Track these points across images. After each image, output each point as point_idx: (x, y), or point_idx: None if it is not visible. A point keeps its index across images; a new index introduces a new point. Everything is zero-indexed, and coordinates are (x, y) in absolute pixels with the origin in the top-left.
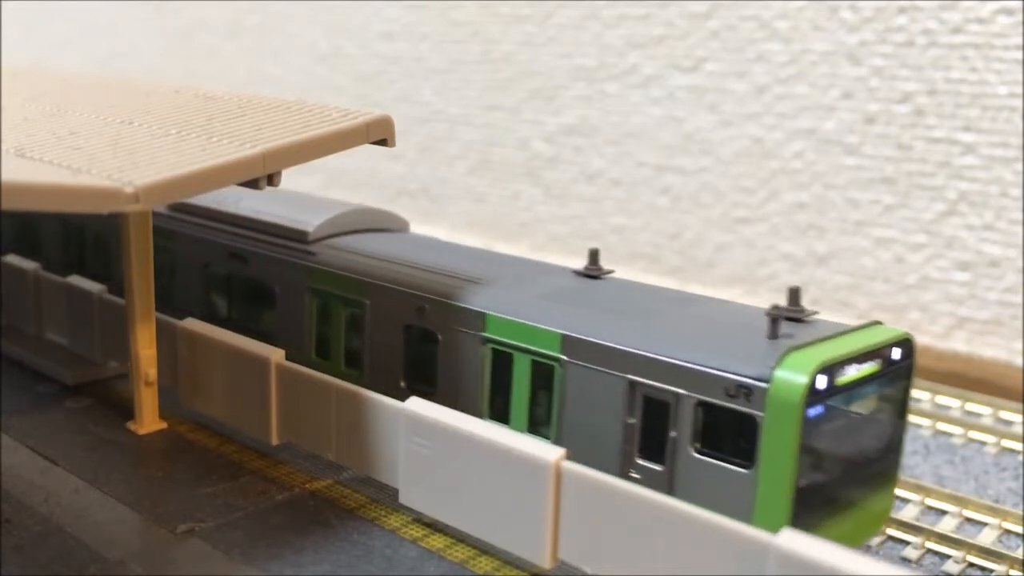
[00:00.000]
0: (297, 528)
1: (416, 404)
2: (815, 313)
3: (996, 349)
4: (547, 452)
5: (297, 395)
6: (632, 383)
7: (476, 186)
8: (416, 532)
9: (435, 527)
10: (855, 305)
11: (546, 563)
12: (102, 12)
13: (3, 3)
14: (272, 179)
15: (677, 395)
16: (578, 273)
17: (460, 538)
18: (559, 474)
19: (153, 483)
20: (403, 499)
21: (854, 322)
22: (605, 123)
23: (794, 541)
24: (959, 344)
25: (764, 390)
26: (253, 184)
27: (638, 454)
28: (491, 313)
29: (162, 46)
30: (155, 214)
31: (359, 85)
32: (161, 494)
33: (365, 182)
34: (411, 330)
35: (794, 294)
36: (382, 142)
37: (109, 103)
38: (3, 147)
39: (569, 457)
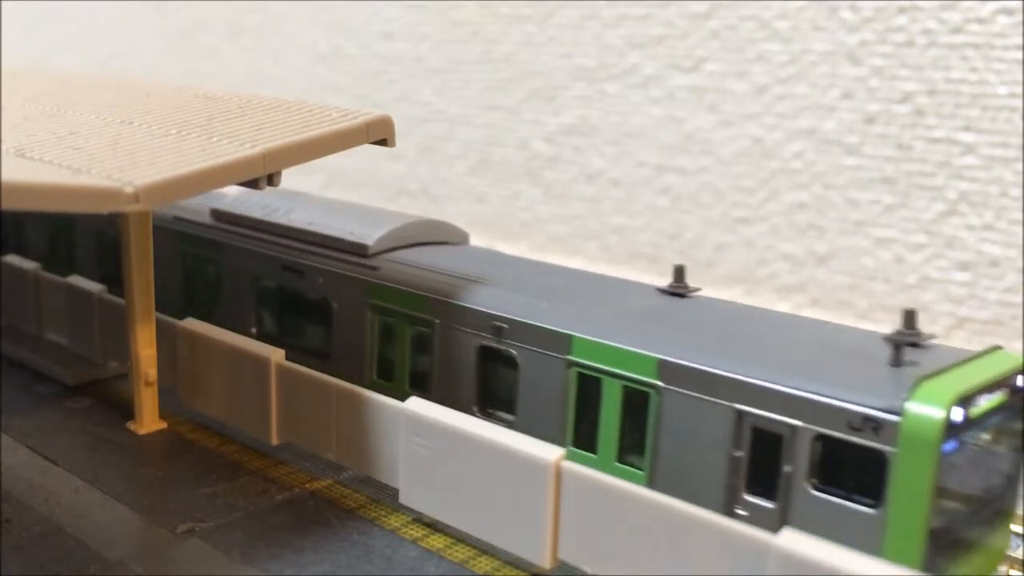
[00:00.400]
0: (297, 528)
1: (416, 404)
2: (932, 337)
3: None
4: (547, 452)
5: (297, 395)
6: (740, 413)
7: (476, 186)
8: (416, 532)
9: (435, 527)
10: (855, 305)
11: (546, 563)
12: (102, 12)
13: (3, 3)
14: (272, 179)
15: (793, 427)
16: (663, 291)
17: (460, 538)
18: (559, 474)
19: (153, 483)
20: (403, 499)
21: (974, 348)
22: (605, 123)
23: (794, 541)
24: (959, 344)
25: (895, 424)
26: (253, 184)
27: (745, 490)
28: (577, 335)
29: (162, 46)
30: (200, 224)
31: (359, 85)
32: (161, 494)
33: (365, 182)
34: (486, 352)
35: (910, 317)
36: (382, 142)
37: (109, 103)
38: (3, 147)
39: (664, 490)
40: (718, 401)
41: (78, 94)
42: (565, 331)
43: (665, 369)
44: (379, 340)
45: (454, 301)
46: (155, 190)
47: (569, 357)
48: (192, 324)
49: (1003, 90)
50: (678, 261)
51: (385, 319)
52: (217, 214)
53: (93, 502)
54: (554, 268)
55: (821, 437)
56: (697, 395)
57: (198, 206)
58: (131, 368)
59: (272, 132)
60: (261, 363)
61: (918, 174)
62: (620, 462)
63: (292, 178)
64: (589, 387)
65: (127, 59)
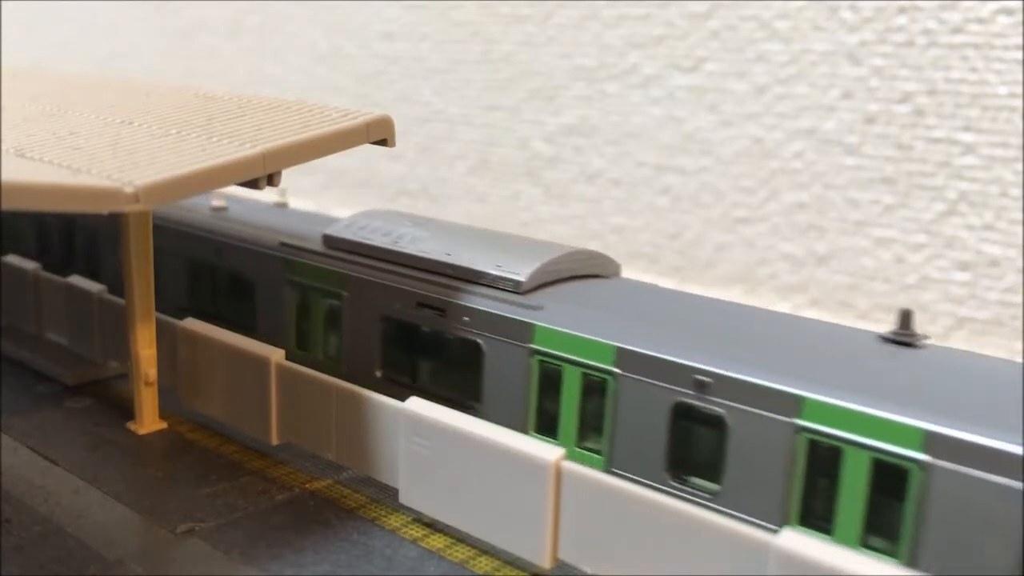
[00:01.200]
0: (297, 528)
1: (416, 404)
2: None
3: (996, 349)
4: (547, 452)
5: (297, 395)
6: None
7: (476, 186)
8: (416, 532)
9: (435, 527)
10: (855, 305)
11: (546, 563)
12: (102, 12)
13: (3, 3)
14: (272, 179)
15: None
16: (885, 339)
17: (460, 538)
18: (559, 474)
19: (153, 483)
20: (403, 499)
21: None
22: (605, 123)
23: (794, 541)
24: (959, 344)
25: None
26: (253, 184)
27: None
28: (810, 396)
29: (162, 46)
30: (312, 252)
31: (359, 85)
32: (161, 494)
33: (365, 182)
34: (682, 410)
35: None
36: (382, 142)
37: (109, 103)
38: (3, 147)
39: None
40: (1004, 481)
41: (78, 94)
42: (793, 390)
43: (934, 443)
44: (541, 390)
45: (640, 350)
46: (155, 190)
47: (798, 421)
48: (192, 324)
49: (1003, 90)
50: (678, 262)
51: (549, 368)
52: (332, 241)
53: (93, 502)
54: (738, 308)
55: None
56: (982, 475)
57: (297, 229)
58: (131, 368)
59: (272, 132)
60: (261, 363)
61: (918, 174)
62: (864, 544)
63: (292, 178)
64: (825, 459)
65: (127, 59)
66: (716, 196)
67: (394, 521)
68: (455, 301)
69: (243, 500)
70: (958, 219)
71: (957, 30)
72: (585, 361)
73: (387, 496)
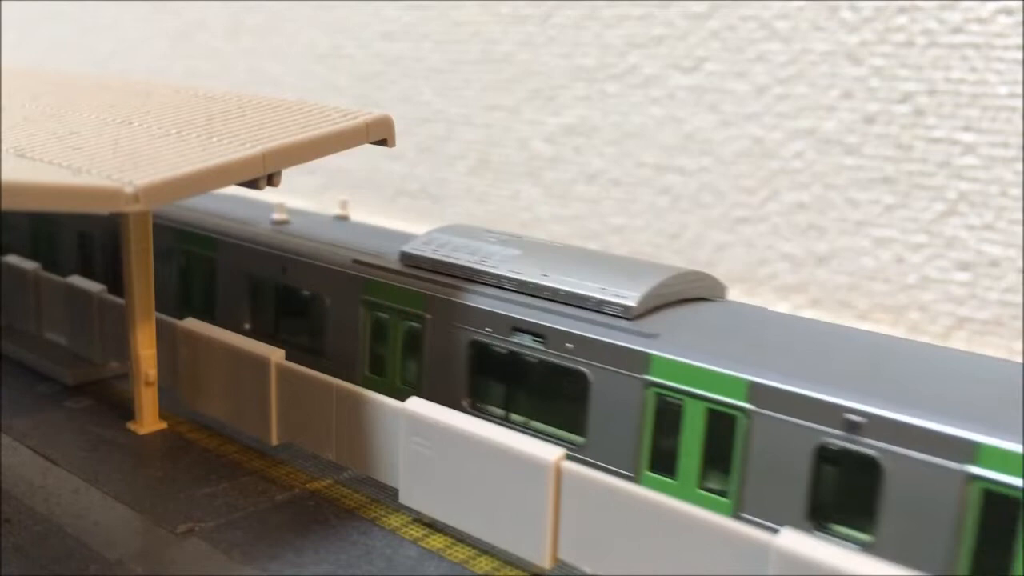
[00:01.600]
0: (297, 528)
1: (416, 404)
2: None
3: (996, 349)
4: (547, 452)
5: (297, 395)
6: None
7: (476, 186)
8: (416, 532)
9: (435, 527)
10: (855, 305)
11: (546, 563)
12: (102, 12)
13: (3, 3)
14: (272, 179)
15: None
16: None
17: (460, 538)
18: (559, 474)
19: (153, 483)
20: (403, 499)
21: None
22: (605, 123)
23: (794, 541)
24: (959, 344)
25: None
26: (253, 184)
27: None
28: (987, 442)
29: (162, 46)
30: (391, 271)
31: (359, 85)
32: (161, 494)
33: (365, 182)
34: (828, 454)
35: None
36: (382, 142)
37: (109, 103)
38: (3, 147)
39: None
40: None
41: (78, 94)
42: (966, 435)
43: None
44: (657, 427)
45: (779, 385)
46: (155, 190)
47: (973, 470)
48: (192, 324)
49: (1003, 90)
50: (678, 262)
51: (668, 400)
52: (411, 259)
53: (93, 502)
54: (870, 336)
55: None
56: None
57: (368, 245)
58: (131, 368)
59: (272, 132)
60: (261, 363)
61: (918, 174)
62: None
63: (292, 178)
64: (1006, 514)
65: (127, 59)
66: (716, 196)
67: (394, 521)
68: (557, 326)
69: (243, 500)
70: (958, 219)
71: (957, 30)
72: (711, 395)
73: (387, 496)
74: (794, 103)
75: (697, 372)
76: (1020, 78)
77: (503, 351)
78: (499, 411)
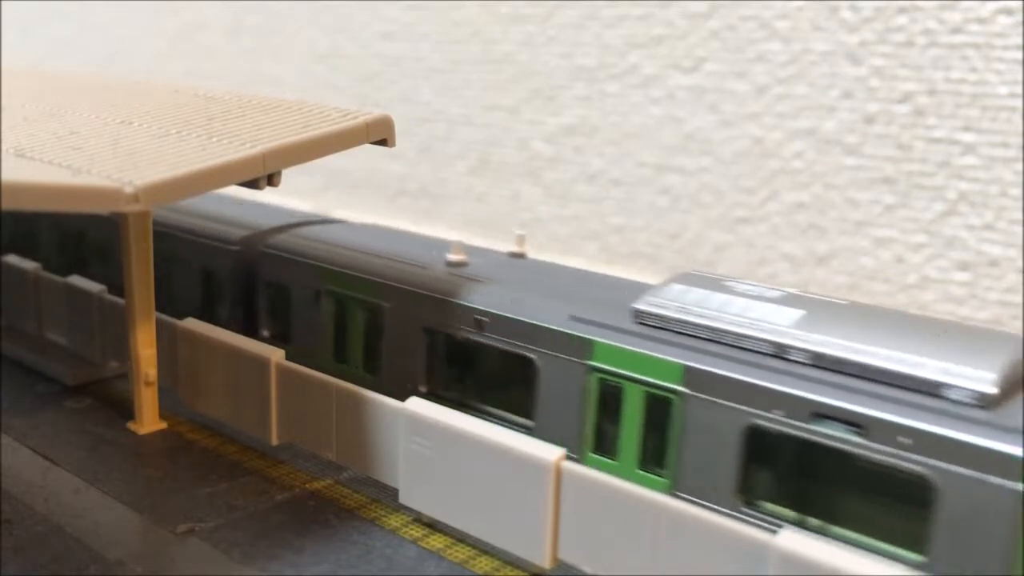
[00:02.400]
0: (297, 528)
1: (416, 404)
2: None
3: None
4: (547, 452)
5: (297, 395)
6: None
7: (476, 186)
8: (416, 532)
9: (435, 527)
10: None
11: (546, 563)
12: (102, 12)
13: (3, 3)
14: (272, 179)
15: None
16: None
17: (460, 538)
18: (559, 474)
19: (153, 483)
20: (403, 499)
21: None
22: (605, 123)
23: (794, 541)
24: None
25: None
26: (253, 184)
27: None
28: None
29: (162, 46)
30: (629, 334)
31: (359, 85)
32: (161, 494)
33: (365, 182)
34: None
35: None
36: (382, 142)
37: (109, 103)
38: (3, 147)
39: None
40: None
41: (78, 94)
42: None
43: None
44: None
45: None
46: (155, 190)
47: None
48: (192, 324)
49: (1003, 90)
50: (678, 262)
51: None
52: (648, 317)
53: (93, 502)
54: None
55: None
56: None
57: (586, 297)
58: (131, 368)
59: (272, 132)
60: (261, 363)
61: (918, 174)
62: None
63: (292, 178)
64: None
65: (127, 59)
66: (716, 196)
67: (394, 521)
68: (882, 416)
69: (243, 500)
70: (958, 219)
71: (957, 30)
72: None
73: (387, 496)
74: (794, 103)
75: None
76: (1020, 78)
77: (801, 440)
78: (793, 515)
